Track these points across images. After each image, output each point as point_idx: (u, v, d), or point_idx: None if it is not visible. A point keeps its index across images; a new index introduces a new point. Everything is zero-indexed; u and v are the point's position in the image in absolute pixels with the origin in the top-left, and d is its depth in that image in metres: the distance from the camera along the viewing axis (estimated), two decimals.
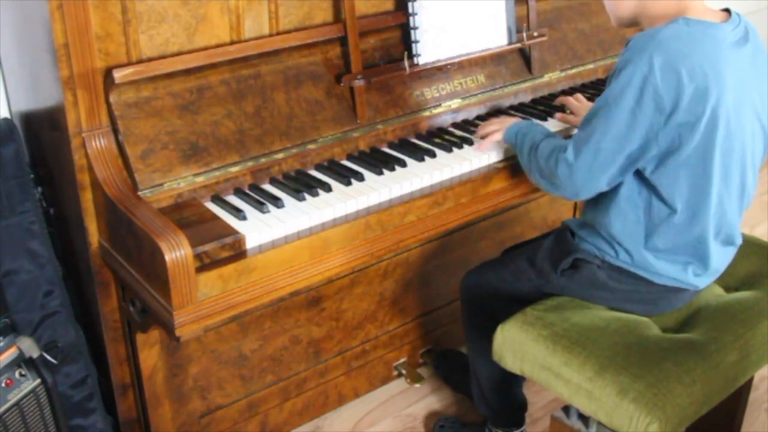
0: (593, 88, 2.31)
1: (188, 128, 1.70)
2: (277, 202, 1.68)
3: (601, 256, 1.68)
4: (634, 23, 1.66)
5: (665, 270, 1.64)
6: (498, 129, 1.87)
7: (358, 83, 1.90)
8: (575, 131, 1.63)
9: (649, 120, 1.49)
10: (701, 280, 1.67)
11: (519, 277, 1.82)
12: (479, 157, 1.88)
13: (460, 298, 2.00)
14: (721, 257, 1.68)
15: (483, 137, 1.90)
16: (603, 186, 1.59)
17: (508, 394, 2.00)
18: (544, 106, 2.17)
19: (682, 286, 1.66)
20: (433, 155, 1.89)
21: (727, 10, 1.60)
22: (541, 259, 1.78)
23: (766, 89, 1.63)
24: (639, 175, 1.59)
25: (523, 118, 1.99)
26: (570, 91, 2.28)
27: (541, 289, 1.79)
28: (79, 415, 1.91)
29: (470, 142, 1.95)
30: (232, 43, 1.78)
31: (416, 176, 1.80)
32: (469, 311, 1.98)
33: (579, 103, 2.08)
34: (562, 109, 2.12)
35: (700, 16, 1.53)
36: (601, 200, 1.66)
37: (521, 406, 2.04)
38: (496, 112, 2.15)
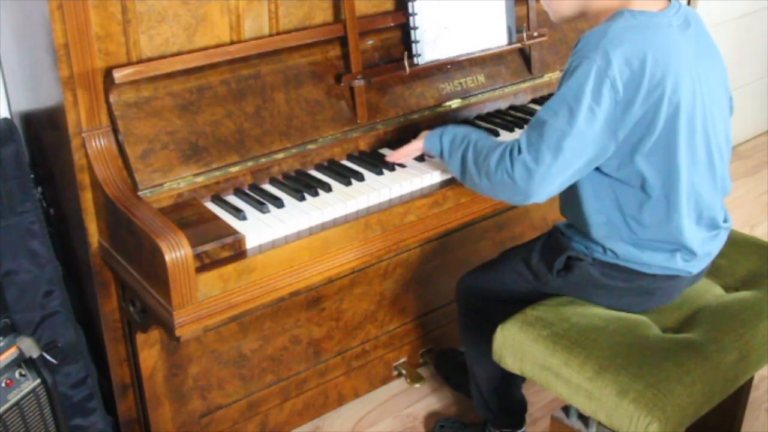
0: None
1: (188, 128, 1.70)
2: (277, 202, 1.68)
3: (591, 254, 1.68)
4: (575, 19, 1.67)
5: (653, 259, 1.63)
6: (415, 141, 1.81)
7: (358, 83, 1.90)
8: (521, 132, 1.56)
9: (606, 115, 1.47)
10: (692, 265, 1.66)
11: (516, 279, 1.82)
12: None
13: (456, 300, 2.00)
14: (708, 241, 1.67)
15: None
16: (556, 189, 1.54)
17: (507, 395, 2.00)
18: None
19: (674, 273, 1.65)
20: None
21: None
22: (536, 261, 1.78)
23: (718, 69, 1.63)
24: (601, 172, 1.58)
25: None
26: None
27: (539, 291, 1.79)
28: (79, 415, 1.91)
29: None
30: (232, 43, 1.78)
31: (416, 176, 1.80)
32: (465, 314, 1.97)
33: None
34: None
35: (642, 7, 1.53)
36: (572, 203, 1.66)
37: (521, 407, 2.04)
38: (495, 112, 2.15)
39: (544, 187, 1.52)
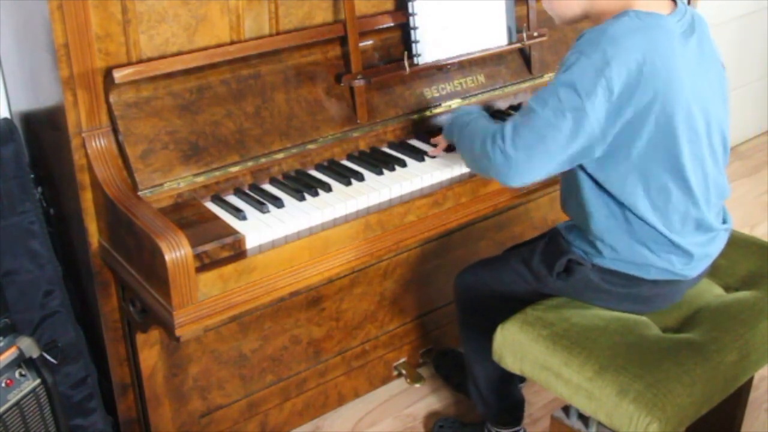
0: None
1: (188, 128, 1.70)
2: (277, 202, 1.68)
3: (590, 260, 1.68)
4: (579, 21, 1.66)
5: (652, 260, 1.62)
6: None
7: (358, 83, 1.90)
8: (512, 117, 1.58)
9: (597, 114, 1.47)
10: (690, 268, 1.65)
11: (516, 279, 1.82)
12: None
13: (454, 298, 2.00)
14: (706, 244, 1.66)
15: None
16: (537, 177, 1.54)
17: (505, 392, 2.00)
18: None
19: (674, 277, 1.65)
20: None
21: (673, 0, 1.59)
22: (536, 262, 1.77)
23: (718, 77, 1.62)
24: (599, 169, 1.58)
25: None
26: None
27: (539, 291, 1.79)
28: (79, 415, 1.91)
29: None
30: (232, 43, 1.78)
31: (416, 176, 1.80)
32: (464, 311, 1.97)
33: None
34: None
35: (647, 9, 1.52)
36: (573, 195, 1.66)
37: (519, 404, 2.04)
38: (495, 112, 2.15)
39: (524, 174, 1.53)
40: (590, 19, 1.63)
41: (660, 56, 1.48)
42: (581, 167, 1.59)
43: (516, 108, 2.18)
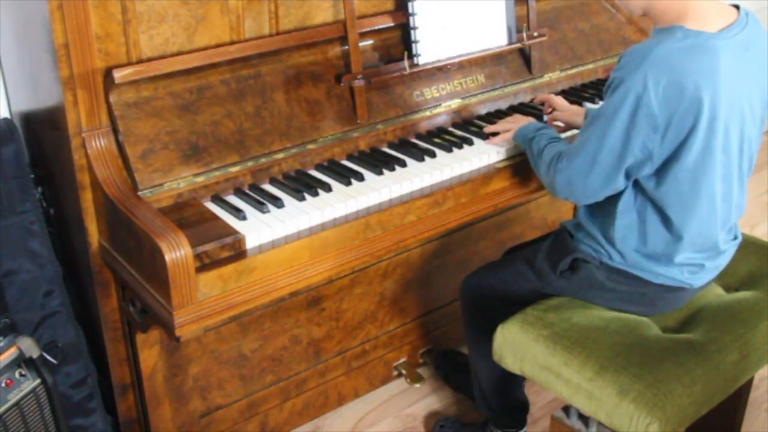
0: (593, 88, 2.31)
1: (188, 128, 1.70)
2: (277, 202, 1.68)
3: (598, 257, 1.68)
4: (642, 16, 1.65)
5: (660, 270, 1.64)
6: (510, 128, 1.90)
7: (358, 83, 1.90)
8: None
9: (642, 138, 1.49)
10: (698, 278, 1.67)
11: (518, 278, 1.82)
12: (479, 157, 1.88)
13: (460, 300, 2.00)
14: (714, 257, 1.69)
15: (495, 134, 1.93)
16: (602, 195, 1.61)
17: (509, 394, 2.00)
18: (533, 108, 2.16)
19: (679, 285, 1.66)
20: (433, 155, 1.89)
21: (736, 6, 1.57)
22: (540, 260, 1.78)
23: (758, 99, 1.59)
24: (638, 183, 1.60)
25: (538, 119, 2.00)
26: (570, 91, 2.28)
27: (541, 291, 1.79)
28: (79, 415, 1.91)
29: (470, 142, 1.95)
30: (232, 43, 1.78)
31: (416, 176, 1.80)
32: (469, 313, 1.98)
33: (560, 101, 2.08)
34: (542, 106, 2.13)
35: (703, 19, 1.50)
36: (597, 203, 1.67)
37: (522, 406, 2.04)
38: (495, 112, 2.15)
39: (587, 194, 1.61)
40: (650, 17, 1.60)
41: (702, 75, 1.46)
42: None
43: (516, 108, 2.17)
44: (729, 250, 1.73)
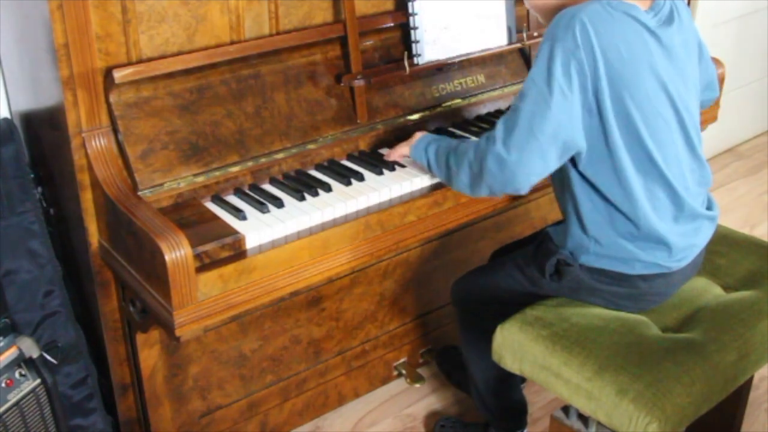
0: None
1: (188, 128, 1.70)
2: (277, 202, 1.68)
3: (577, 260, 1.67)
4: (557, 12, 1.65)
5: (635, 254, 1.61)
6: (404, 145, 1.83)
7: (358, 83, 1.90)
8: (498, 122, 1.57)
9: (577, 96, 1.47)
10: (676, 260, 1.64)
11: (513, 284, 1.80)
12: None
13: (452, 304, 2.00)
14: (690, 234, 1.65)
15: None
16: (536, 174, 1.52)
17: (506, 397, 1.99)
18: None
19: (660, 270, 1.63)
20: None
21: None
22: (529, 266, 1.77)
23: (691, 69, 1.61)
24: (574, 164, 1.58)
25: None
26: None
27: (537, 294, 1.78)
28: (79, 415, 1.91)
29: None
30: (232, 43, 1.78)
31: (416, 176, 1.80)
32: (463, 317, 1.97)
33: None
34: None
35: None
36: (563, 191, 1.66)
37: (521, 408, 2.04)
38: (495, 112, 2.15)
39: (522, 173, 1.51)
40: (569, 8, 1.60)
41: (625, 45, 1.47)
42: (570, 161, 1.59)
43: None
44: (705, 225, 1.69)
